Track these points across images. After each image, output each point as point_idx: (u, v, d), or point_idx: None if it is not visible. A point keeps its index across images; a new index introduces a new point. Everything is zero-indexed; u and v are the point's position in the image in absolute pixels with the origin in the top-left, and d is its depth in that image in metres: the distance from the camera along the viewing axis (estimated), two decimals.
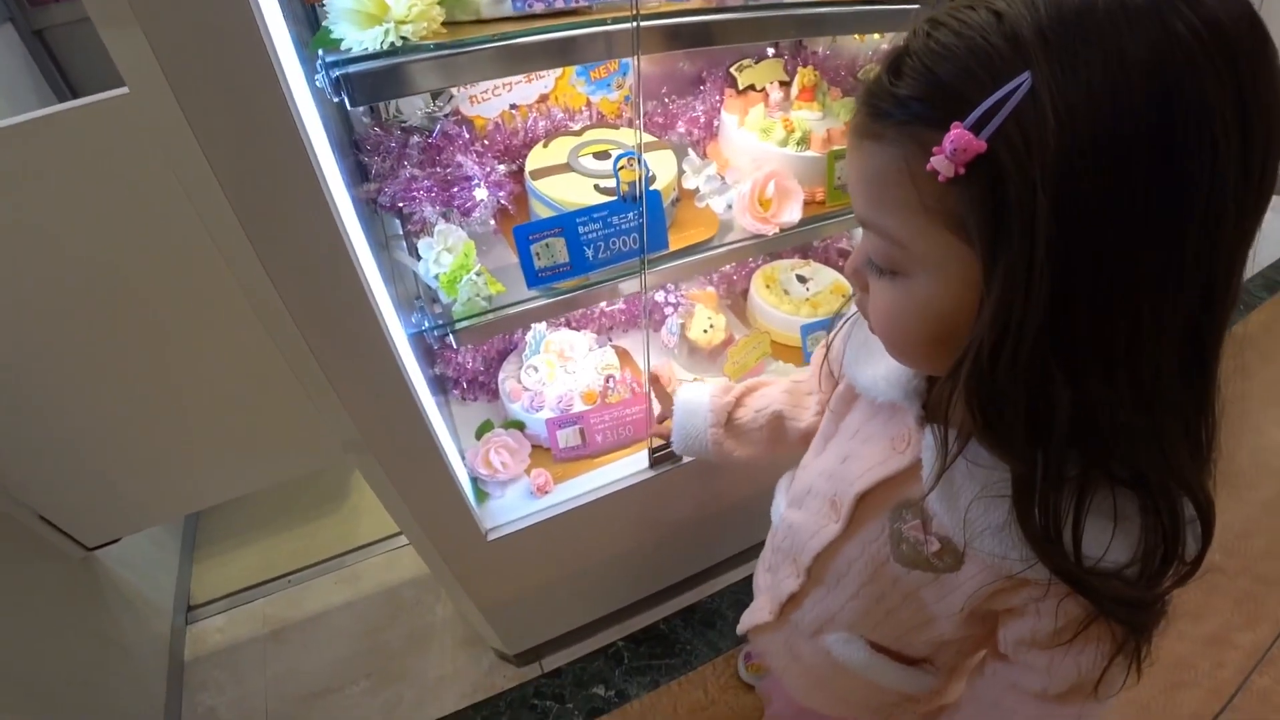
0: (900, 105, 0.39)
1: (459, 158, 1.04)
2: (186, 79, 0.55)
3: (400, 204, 1.04)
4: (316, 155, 0.66)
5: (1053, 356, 0.39)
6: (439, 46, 0.74)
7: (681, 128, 1.20)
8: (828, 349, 0.74)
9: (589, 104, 1.18)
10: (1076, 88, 0.34)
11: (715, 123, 1.22)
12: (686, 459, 1.22)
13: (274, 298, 0.71)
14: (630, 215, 0.93)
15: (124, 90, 0.88)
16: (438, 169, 1.04)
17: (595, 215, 0.91)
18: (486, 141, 1.10)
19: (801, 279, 1.46)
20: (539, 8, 0.78)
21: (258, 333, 1.14)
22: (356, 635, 1.67)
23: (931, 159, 0.37)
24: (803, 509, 0.71)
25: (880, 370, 0.59)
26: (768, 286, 1.43)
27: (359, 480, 2.00)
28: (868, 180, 0.44)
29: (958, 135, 0.36)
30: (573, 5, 0.79)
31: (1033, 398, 0.40)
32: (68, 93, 1.81)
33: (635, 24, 0.78)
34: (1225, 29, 0.33)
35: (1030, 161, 0.35)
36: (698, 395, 0.93)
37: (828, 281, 1.47)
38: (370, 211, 1.08)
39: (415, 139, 1.05)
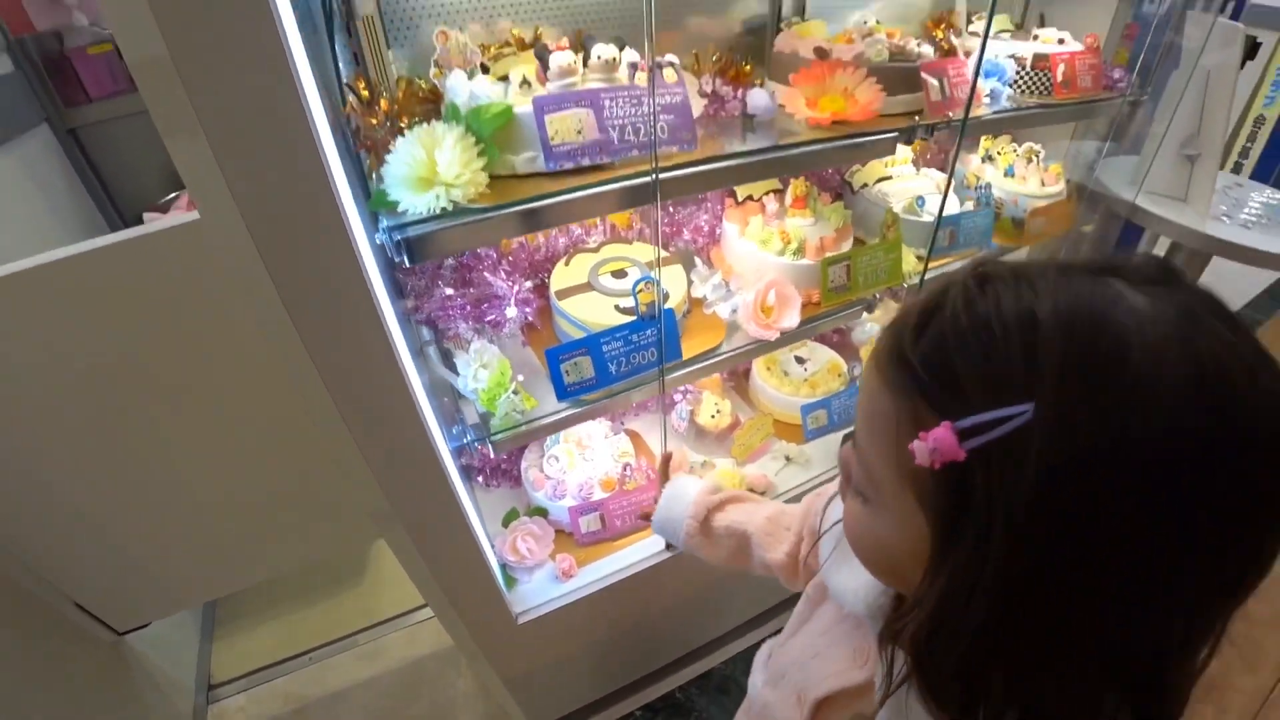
0: (911, 372, 0.40)
1: (488, 276, 1.16)
2: (259, 213, 0.65)
3: (437, 320, 1.15)
4: (372, 280, 0.78)
5: (987, 655, 0.39)
6: (487, 209, 0.86)
7: (687, 235, 1.33)
8: (819, 517, 0.74)
9: (603, 217, 1.32)
10: (1068, 446, 0.34)
11: (718, 230, 1.36)
12: None
13: (327, 402, 0.81)
14: (648, 332, 1.05)
15: (195, 216, 1.00)
16: (470, 289, 1.16)
17: (618, 335, 1.03)
18: (512, 259, 1.22)
19: (800, 360, 1.59)
20: (568, 166, 0.91)
21: (296, 429, 1.26)
22: (379, 712, 1.73)
23: (915, 441, 0.37)
24: (776, 690, 0.71)
25: (852, 582, 0.59)
26: (768, 369, 1.56)
27: (378, 555, 2.09)
28: (867, 410, 0.45)
29: (942, 436, 0.36)
30: (598, 162, 0.92)
31: (967, 674, 0.40)
32: (98, 186, 1.93)
33: (655, 176, 0.91)
34: (1259, 439, 0.33)
35: (998, 494, 0.35)
36: (687, 486, 0.97)
37: (824, 361, 1.60)
38: (406, 321, 1.19)
39: (449, 260, 1.18)
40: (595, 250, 1.23)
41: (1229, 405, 0.33)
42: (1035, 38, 1.51)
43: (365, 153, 1.00)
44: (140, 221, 1.80)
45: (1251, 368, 0.34)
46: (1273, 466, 0.34)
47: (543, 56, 0.92)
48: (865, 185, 1.47)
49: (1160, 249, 1.97)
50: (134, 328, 1.09)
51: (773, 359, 1.59)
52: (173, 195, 1.91)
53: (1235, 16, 1.90)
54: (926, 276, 1.38)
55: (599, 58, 0.90)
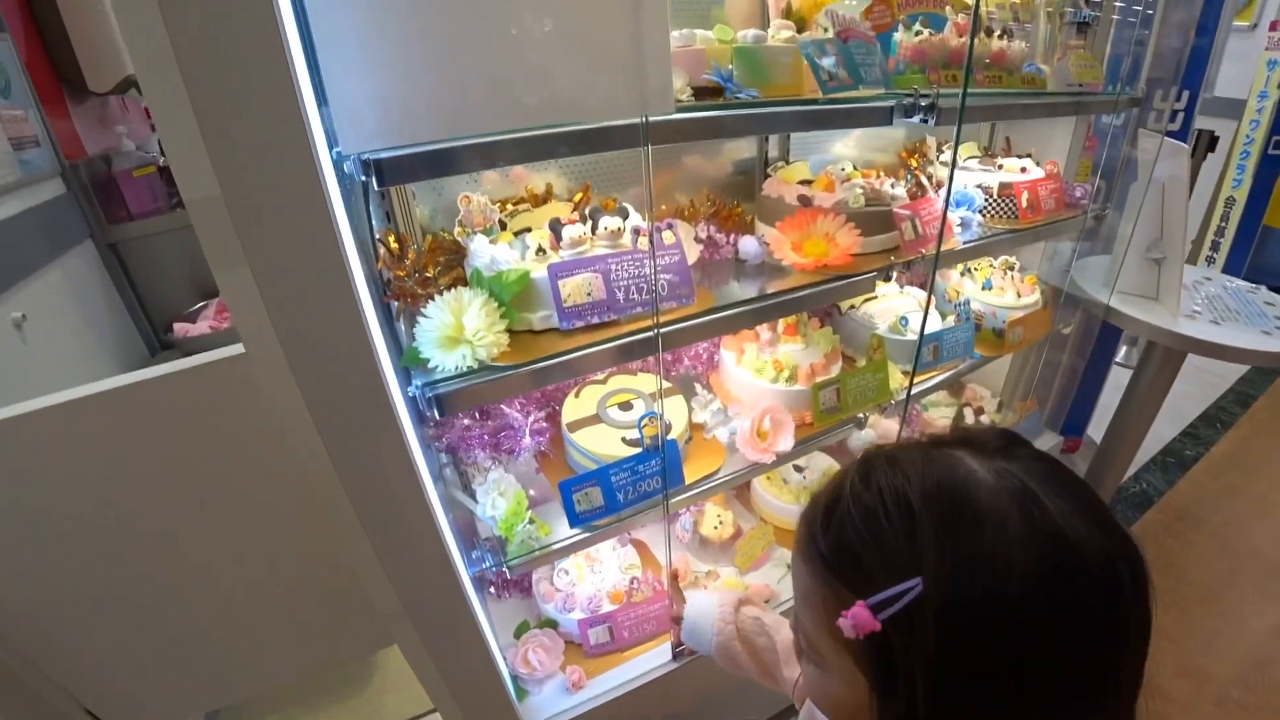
0: (825, 561, 0.49)
1: (505, 408, 1.26)
2: (300, 348, 0.75)
3: (456, 448, 1.25)
4: (401, 416, 0.88)
5: None
6: (507, 367, 0.97)
7: (687, 361, 1.45)
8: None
9: None
10: (953, 606, 0.42)
11: (716, 357, 1.47)
12: None
13: (355, 525, 0.90)
14: (653, 462, 1.14)
15: (239, 348, 1.11)
16: (488, 420, 1.26)
17: (625, 466, 1.13)
18: (526, 392, 1.33)
19: (798, 468, 1.68)
20: (579, 325, 1.02)
21: (314, 545, 1.33)
22: None
23: (839, 619, 0.46)
24: None
25: None
26: (768, 478, 1.65)
27: (383, 660, 2.12)
28: (800, 590, 0.53)
29: (859, 613, 0.44)
30: (606, 319, 1.03)
31: None
32: (132, 295, 2.04)
33: (657, 331, 1.03)
34: (1090, 580, 0.43)
35: (914, 653, 0.43)
36: (711, 595, 1.04)
37: (822, 469, 1.69)
38: (426, 446, 1.29)
39: None
40: (603, 382, 1.34)
41: (1063, 558, 0.42)
42: (1000, 167, 1.66)
43: (395, 301, 1.11)
44: (170, 329, 1.94)
45: (1077, 524, 0.43)
46: (1107, 601, 0.43)
47: (556, 229, 1.05)
48: (853, 307, 1.59)
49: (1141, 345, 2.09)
50: (166, 450, 1.18)
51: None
52: (200, 305, 2.04)
53: (1190, 109, 2.10)
54: (915, 390, 1.49)
55: (605, 228, 1.03)
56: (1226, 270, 4.24)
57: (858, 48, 1.15)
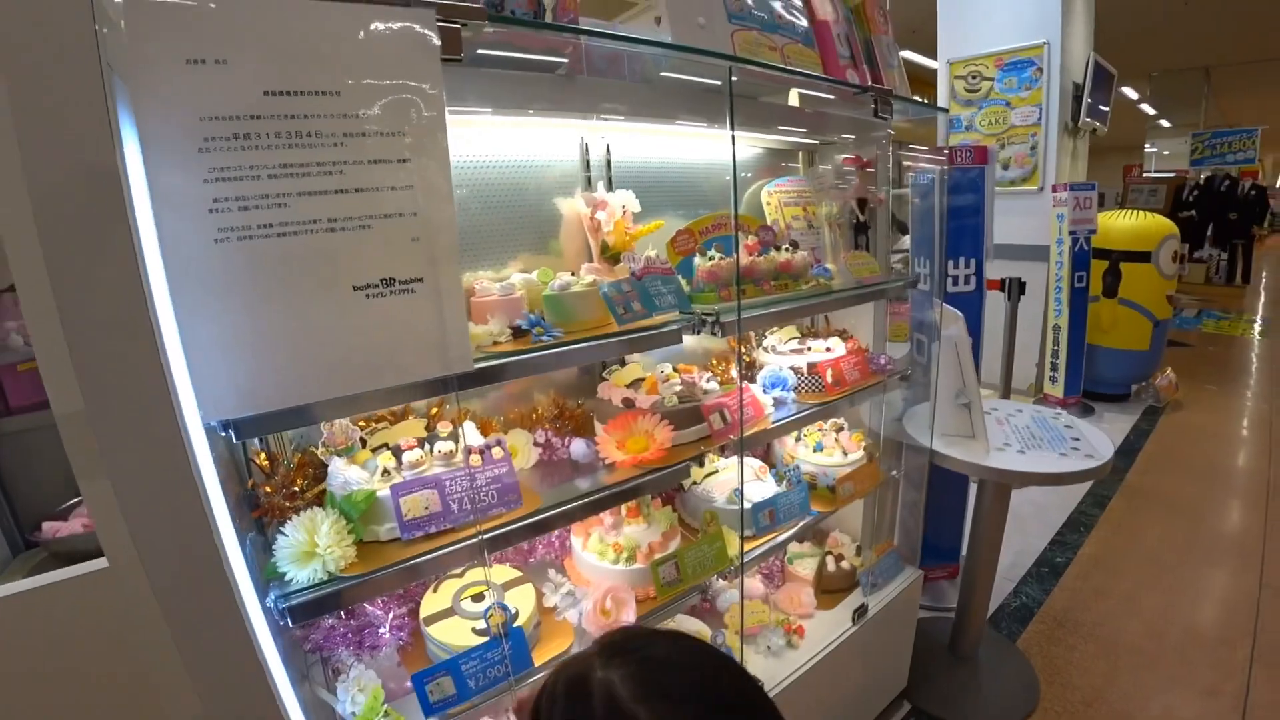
0: None
1: (367, 606, 1.41)
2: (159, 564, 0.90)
3: (321, 648, 1.37)
4: (254, 628, 1.02)
5: None
6: (353, 578, 1.14)
7: (541, 549, 1.63)
8: None
9: None
10: None
11: (568, 542, 1.66)
12: None
13: None
14: (501, 649, 1.30)
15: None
16: (350, 619, 1.40)
17: (474, 655, 1.28)
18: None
19: None
20: (418, 534, 1.21)
21: None
22: None
23: None
24: None
25: None
26: None
27: None
28: None
29: None
30: (443, 528, 1.23)
31: None
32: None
33: (480, 538, 1.22)
34: None
35: None
36: None
37: (692, 631, 1.84)
38: (293, 647, 1.40)
39: None
40: (461, 575, 1.50)
41: None
42: (809, 349, 1.99)
43: (265, 517, 1.27)
44: (38, 528, 1.92)
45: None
46: None
47: (397, 453, 1.26)
48: (695, 483, 1.83)
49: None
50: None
51: None
52: (76, 500, 2.04)
53: (979, 273, 2.55)
54: (762, 550, 1.71)
55: (439, 450, 1.25)
56: (1069, 384, 5.08)
57: (652, 282, 1.46)
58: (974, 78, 5.49)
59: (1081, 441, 2.19)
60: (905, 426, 2.26)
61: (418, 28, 1.00)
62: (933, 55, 5.82)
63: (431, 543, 1.21)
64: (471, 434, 1.37)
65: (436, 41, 1.02)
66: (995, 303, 4.34)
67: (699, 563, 1.58)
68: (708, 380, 1.67)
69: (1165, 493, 4.05)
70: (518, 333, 1.30)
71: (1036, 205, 5.23)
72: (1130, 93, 12.44)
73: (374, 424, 1.47)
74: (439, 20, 1.02)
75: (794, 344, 2.08)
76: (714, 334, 1.45)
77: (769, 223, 2.13)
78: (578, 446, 1.51)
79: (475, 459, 1.27)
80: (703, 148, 2.01)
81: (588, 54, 1.38)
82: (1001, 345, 4.43)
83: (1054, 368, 5.12)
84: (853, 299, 1.94)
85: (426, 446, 1.28)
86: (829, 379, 1.88)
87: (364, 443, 1.41)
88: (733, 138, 1.44)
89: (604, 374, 1.76)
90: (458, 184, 1.55)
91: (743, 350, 2.07)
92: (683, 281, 1.60)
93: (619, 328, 1.36)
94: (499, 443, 1.30)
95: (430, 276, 1.03)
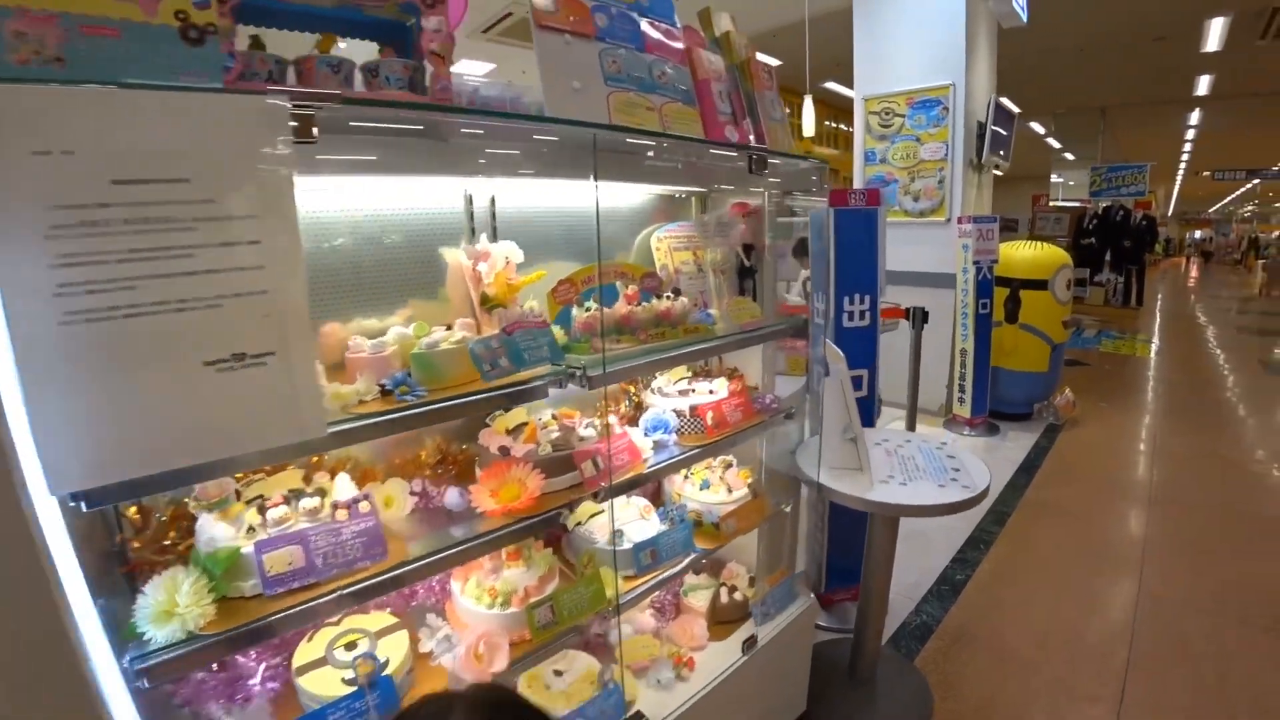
0: None
1: (239, 658, 1.44)
2: None
3: (191, 702, 1.40)
4: (106, 695, 1.05)
5: None
6: (211, 636, 1.18)
7: (421, 593, 1.69)
8: None
9: None
10: None
11: (449, 586, 1.73)
12: None
13: None
14: (366, 700, 1.35)
15: None
16: (221, 672, 1.43)
17: (340, 705, 1.33)
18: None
19: (558, 673, 1.90)
20: (281, 590, 1.26)
21: None
22: None
23: None
24: None
25: None
26: (529, 685, 1.85)
27: None
28: None
29: None
30: (307, 583, 1.28)
31: None
32: None
33: (338, 594, 1.28)
34: None
35: None
36: None
37: (582, 670, 1.92)
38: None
39: None
40: (337, 623, 1.55)
41: None
42: (692, 391, 2.11)
43: (134, 572, 1.30)
44: None
45: None
46: None
47: (263, 510, 1.31)
48: (579, 523, 1.91)
49: None
50: None
51: (535, 674, 1.89)
52: None
53: (873, 309, 2.71)
54: (639, 592, 1.80)
55: (304, 507, 1.31)
56: (975, 404, 5.47)
57: (524, 336, 1.54)
58: (887, 114, 5.82)
59: (961, 472, 2.35)
60: (798, 459, 2.39)
61: (269, 115, 1.07)
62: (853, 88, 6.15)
63: (295, 598, 1.26)
64: (344, 487, 1.42)
65: (292, 124, 1.10)
66: (905, 329, 4.62)
67: (575, 605, 1.66)
68: (585, 426, 1.77)
69: (1061, 505, 4.37)
70: (384, 391, 1.37)
71: (944, 235, 5.60)
72: (1038, 127, 13.46)
73: (251, 475, 1.51)
74: (293, 106, 1.10)
75: (683, 384, 2.20)
76: (583, 386, 1.55)
77: (658, 268, 2.25)
78: (451, 496, 1.58)
79: (342, 513, 1.33)
80: (588, 195, 2.12)
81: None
82: (909, 369, 4.69)
83: (962, 389, 5.45)
84: (734, 344, 2.06)
85: (294, 503, 1.33)
86: (709, 421, 1.99)
87: (239, 494, 1.45)
88: (596, 193, 1.54)
89: (487, 420, 1.83)
90: (342, 234, 1.62)
91: (632, 391, 2.17)
92: (559, 332, 1.69)
93: (485, 384, 1.44)
94: (366, 497, 1.37)
95: (282, 350, 1.10)
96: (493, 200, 1.86)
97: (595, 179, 1.51)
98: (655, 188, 2.33)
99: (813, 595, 2.61)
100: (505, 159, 1.70)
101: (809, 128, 7.45)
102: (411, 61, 1.39)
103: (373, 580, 1.32)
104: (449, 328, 1.58)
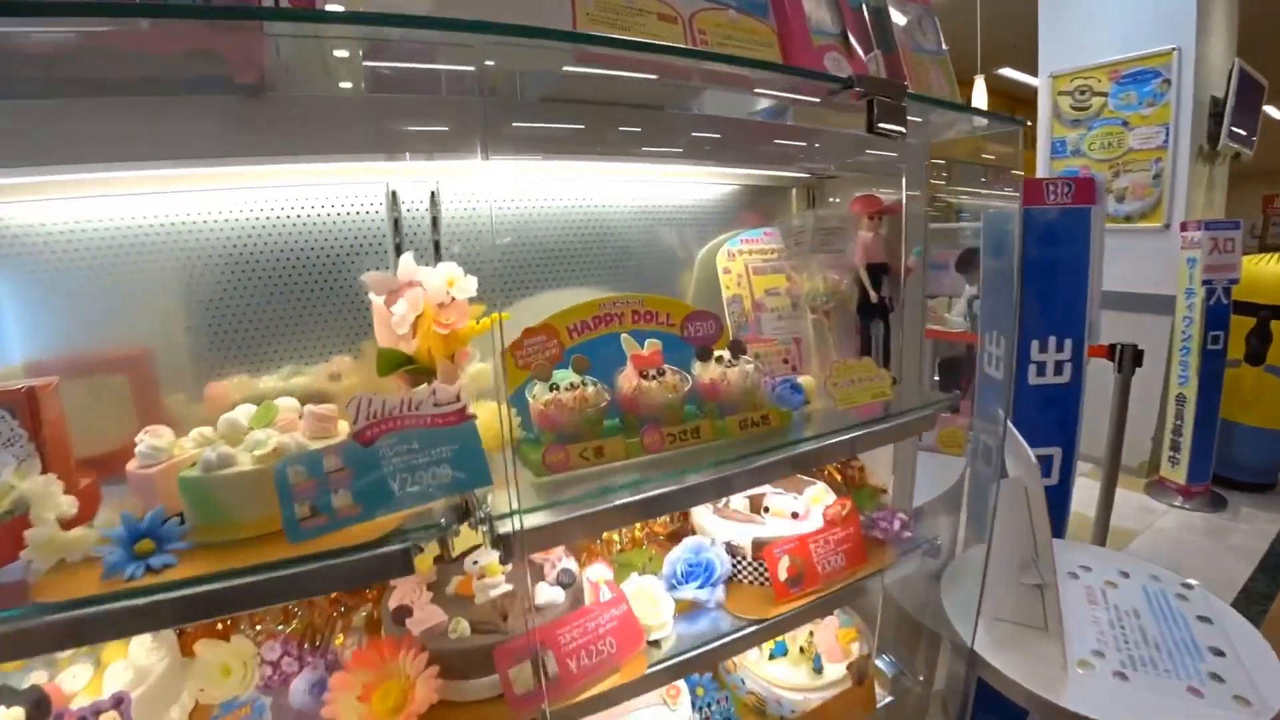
0: None
1: None
2: None
3: None
4: None
5: None
6: None
7: None
8: None
9: None
10: None
11: None
12: None
13: None
14: None
15: None
16: None
17: None
18: None
19: None
20: None
21: None
22: None
23: None
24: None
25: None
26: None
27: None
28: None
29: None
30: None
31: None
32: None
33: None
34: None
35: None
36: None
37: None
38: None
39: None
40: None
41: None
42: (766, 510, 1.29)
43: None
44: None
45: None
46: None
47: None
48: None
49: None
50: None
51: None
52: None
53: (1077, 360, 1.81)
54: None
55: None
56: (1194, 468, 4.17)
57: (397, 446, 0.81)
58: (1082, 93, 4.62)
59: (1228, 660, 1.36)
60: (943, 592, 1.50)
61: None
62: (1034, 72, 4.94)
63: None
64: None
65: None
66: (1101, 369, 3.41)
67: None
68: (557, 573, 1.01)
69: None
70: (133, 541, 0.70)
71: (1159, 246, 4.34)
72: (1273, 112, 10.81)
73: None
74: None
75: (753, 491, 1.38)
76: (497, 550, 0.80)
77: (726, 300, 1.45)
78: (297, 690, 0.88)
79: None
80: (622, 185, 1.37)
81: None
82: (1109, 426, 3.51)
83: (1175, 447, 4.20)
84: (836, 449, 1.20)
85: None
86: (782, 574, 1.17)
87: None
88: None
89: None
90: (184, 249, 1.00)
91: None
92: (513, 425, 0.95)
93: (291, 545, 0.72)
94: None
95: None
96: (433, 198, 1.15)
97: (485, 155, 0.77)
98: (724, 172, 1.53)
99: None
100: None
101: None
102: None
103: None
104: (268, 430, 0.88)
